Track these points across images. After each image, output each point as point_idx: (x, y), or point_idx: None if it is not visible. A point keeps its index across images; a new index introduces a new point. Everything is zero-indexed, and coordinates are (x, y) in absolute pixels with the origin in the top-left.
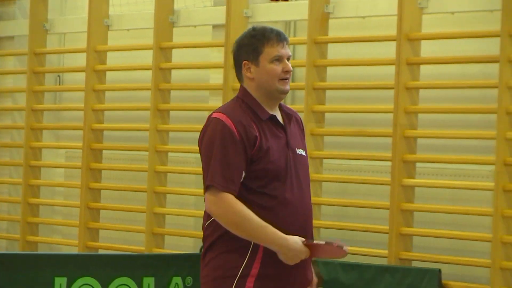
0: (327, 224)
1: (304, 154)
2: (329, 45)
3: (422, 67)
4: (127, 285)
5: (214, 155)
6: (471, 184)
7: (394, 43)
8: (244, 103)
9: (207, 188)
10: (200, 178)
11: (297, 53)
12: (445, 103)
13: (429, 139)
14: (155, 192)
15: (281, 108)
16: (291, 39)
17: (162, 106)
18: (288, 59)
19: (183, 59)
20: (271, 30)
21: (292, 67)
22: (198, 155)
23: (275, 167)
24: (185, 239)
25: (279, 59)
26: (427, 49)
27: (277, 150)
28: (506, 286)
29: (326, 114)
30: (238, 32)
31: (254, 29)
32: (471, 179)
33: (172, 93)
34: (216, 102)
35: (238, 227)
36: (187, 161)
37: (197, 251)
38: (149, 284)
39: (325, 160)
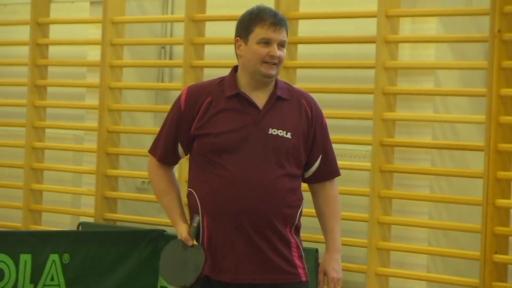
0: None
1: (283, 135)
2: (207, 23)
3: (299, 46)
4: (4, 261)
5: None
6: (348, 164)
7: None
8: (224, 78)
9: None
10: (76, 154)
11: (175, 31)
12: (323, 83)
13: None
14: (32, 169)
15: (276, 88)
16: (168, 17)
17: (40, 82)
18: (281, 45)
19: (60, 35)
20: (270, 12)
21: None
22: (75, 132)
23: (222, 142)
24: (63, 216)
25: (267, 42)
26: (305, 28)
27: (232, 126)
28: (382, 265)
29: None
30: (115, 8)
31: (254, 8)
32: (349, 159)
33: (50, 69)
34: (94, 79)
35: (153, 188)
36: (64, 137)
37: (74, 228)
38: (26, 261)
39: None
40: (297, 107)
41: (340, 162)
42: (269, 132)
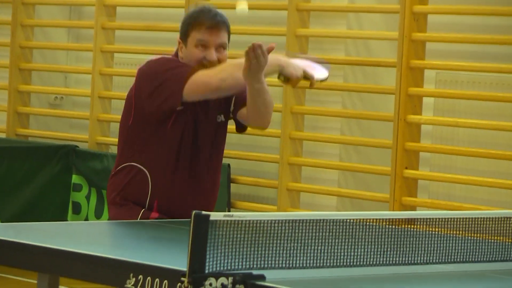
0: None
1: (221, 120)
2: None
3: None
4: None
5: (170, 69)
6: None
7: None
8: None
9: (184, 85)
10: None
11: None
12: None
13: None
14: None
15: None
16: None
17: None
18: (222, 47)
19: None
20: (209, 13)
21: None
22: None
23: (172, 135)
24: None
25: (204, 44)
26: None
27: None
28: (293, 181)
29: (118, 8)
30: None
31: (194, 9)
32: None
33: None
34: None
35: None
36: None
37: None
38: None
39: (115, 54)
40: None
41: None
42: (217, 120)
